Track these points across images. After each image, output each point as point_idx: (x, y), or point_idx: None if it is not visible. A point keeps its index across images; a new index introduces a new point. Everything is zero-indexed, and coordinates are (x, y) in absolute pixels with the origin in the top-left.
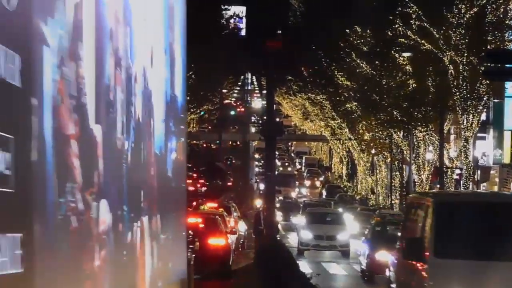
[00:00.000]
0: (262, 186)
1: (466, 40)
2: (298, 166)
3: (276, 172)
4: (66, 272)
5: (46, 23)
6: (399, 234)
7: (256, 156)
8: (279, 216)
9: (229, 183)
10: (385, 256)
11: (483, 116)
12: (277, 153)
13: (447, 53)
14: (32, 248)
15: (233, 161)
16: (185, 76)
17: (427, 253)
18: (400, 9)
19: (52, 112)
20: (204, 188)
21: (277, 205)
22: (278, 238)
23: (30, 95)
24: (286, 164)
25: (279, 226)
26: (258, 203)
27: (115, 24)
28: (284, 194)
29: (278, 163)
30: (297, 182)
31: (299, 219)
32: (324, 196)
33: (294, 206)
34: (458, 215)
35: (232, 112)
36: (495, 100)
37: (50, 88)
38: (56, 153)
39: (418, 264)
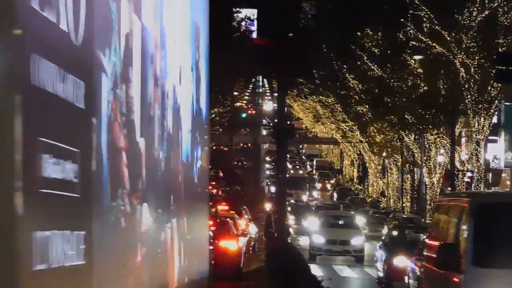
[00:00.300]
0: (273, 189)
1: (478, 43)
2: (309, 169)
3: (287, 175)
4: (116, 266)
5: (104, 54)
6: (424, 239)
7: (267, 159)
8: (290, 219)
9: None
10: (404, 262)
11: (495, 119)
12: (288, 156)
13: (458, 56)
14: (91, 244)
15: (245, 163)
16: (208, 90)
17: (463, 262)
18: (411, 11)
19: (107, 128)
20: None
21: (288, 208)
22: (289, 241)
23: (91, 115)
24: (297, 167)
25: (290, 230)
26: (269, 206)
27: (155, 49)
28: (295, 197)
29: (289, 166)
30: (307, 185)
31: (311, 222)
32: (335, 199)
33: (306, 209)
34: (499, 218)
35: (244, 115)
36: (507, 103)
37: (106, 108)
38: (110, 163)
39: (452, 274)
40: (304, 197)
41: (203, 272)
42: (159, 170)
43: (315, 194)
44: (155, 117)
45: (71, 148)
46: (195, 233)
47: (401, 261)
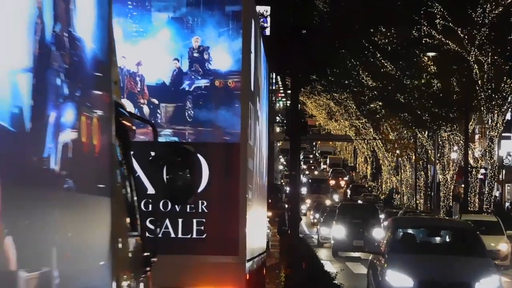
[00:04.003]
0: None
1: (491, 40)
2: (323, 166)
3: (309, 177)
4: None
5: None
6: None
7: (281, 158)
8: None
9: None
10: None
11: (508, 116)
12: (301, 155)
13: (472, 53)
14: None
15: None
16: (107, 14)
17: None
18: (424, 8)
19: None
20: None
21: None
22: (302, 236)
23: None
24: (312, 167)
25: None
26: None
27: None
28: (317, 202)
29: (304, 166)
30: (331, 188)
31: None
32: (348, 196)
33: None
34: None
35: None
36: None
37: None
38: None
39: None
40: (328, 202)
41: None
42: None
43: (337, 197)
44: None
45: None
46: (57, 261)
47: None
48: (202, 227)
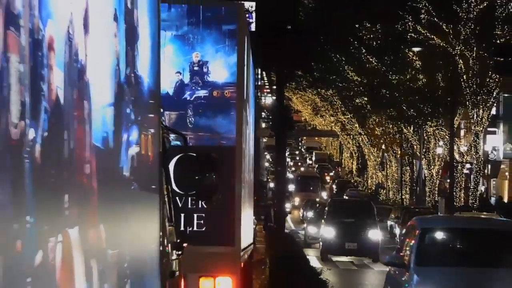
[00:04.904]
0: (272, 185)
1: (476, 34)
2: (309, 162)
3: (297, 174)
4: None
5: None
6: None
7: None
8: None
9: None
10: None
11: (493, 111)
12: (287, 151)
13: (457, 48)
14: None
15: None
16: (157, 56)
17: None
18: (409, 3)
19: None
20: None
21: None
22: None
23: None
24: (299, 163)
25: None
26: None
27: None
28: (306, 200)
29: (291, 163)
30: (320, 185)
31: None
32: (334, 191)
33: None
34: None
35: None
36: (505, 94)
37: None
38: None
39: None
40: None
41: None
42: (25, 158)
43: (325, 194)
44: (9, 77)
45: None
46: (127, 245)
47: None
48: (202, 221)
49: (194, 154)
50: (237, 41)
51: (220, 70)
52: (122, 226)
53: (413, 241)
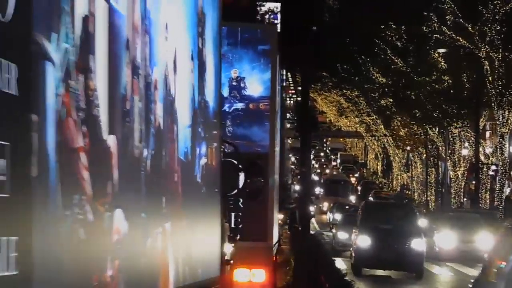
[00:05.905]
0: (297, 187)
1: (502, 36)
2: (333, 163)
3: (326, 178)
4: (68, 281)
5: (49, 39)
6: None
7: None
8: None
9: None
10: None
11: None
12: (312, 153)
13: (482, 49)
14: (30, 253)
15: None
16: (219, 81)
17: None
18: (435, 4)
19: (55, 127)
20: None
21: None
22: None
23: (28, 109)
24: (324, 166)
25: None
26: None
27: (132, 34)
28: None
29: (316, 164)
30: (351, 188)
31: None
32: (359, 193)
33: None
34: None
35: None
36: None
37: (53, 103)
38: (61, 167)
39: None
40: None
41: (210, 277)
42: (141, 170)
43: (353, 198)
44: (134, 110)
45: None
46: (200, 237)
47: None
48: (239, 219)
49: (244, 160)
50: (270, 60)
51: (256, 85)
52: (197, 222)
53: None
